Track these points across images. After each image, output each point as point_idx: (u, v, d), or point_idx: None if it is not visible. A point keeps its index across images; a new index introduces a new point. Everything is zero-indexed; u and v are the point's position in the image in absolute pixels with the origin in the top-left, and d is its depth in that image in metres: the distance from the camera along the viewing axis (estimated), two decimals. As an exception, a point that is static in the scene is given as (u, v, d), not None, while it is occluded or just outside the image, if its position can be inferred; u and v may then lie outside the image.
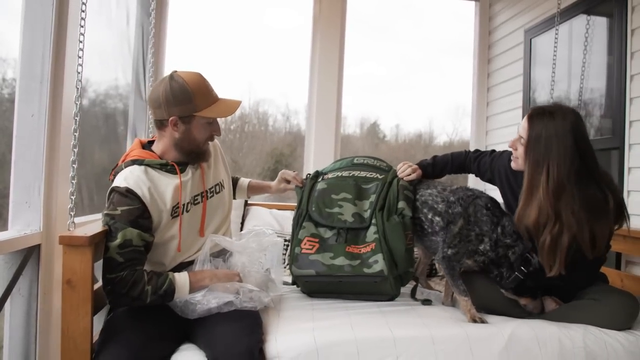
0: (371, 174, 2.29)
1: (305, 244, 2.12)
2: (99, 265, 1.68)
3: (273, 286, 1.97)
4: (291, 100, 5.00)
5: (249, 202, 3.22)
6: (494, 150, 2.33)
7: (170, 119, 1.76)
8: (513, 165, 2.06)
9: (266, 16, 4.71)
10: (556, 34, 3.12)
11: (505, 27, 4.04)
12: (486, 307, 2.04)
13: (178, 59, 3.76)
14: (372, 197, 2.19)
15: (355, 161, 2.40)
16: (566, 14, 3.19)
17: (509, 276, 1.99)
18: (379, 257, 2.03)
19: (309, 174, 2.36)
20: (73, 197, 1.82)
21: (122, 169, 1.78)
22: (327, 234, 2.14)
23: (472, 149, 4.18)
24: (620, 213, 1.93)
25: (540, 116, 1.92)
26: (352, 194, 2.20)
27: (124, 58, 2.83)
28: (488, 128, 4.26)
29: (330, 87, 3.91)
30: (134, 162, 1.78)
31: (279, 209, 3.31)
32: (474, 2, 4.30)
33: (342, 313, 1.95)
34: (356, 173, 2.30)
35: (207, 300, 1.70)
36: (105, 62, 2.52)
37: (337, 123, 3.95)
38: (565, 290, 2.03)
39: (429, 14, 4.69)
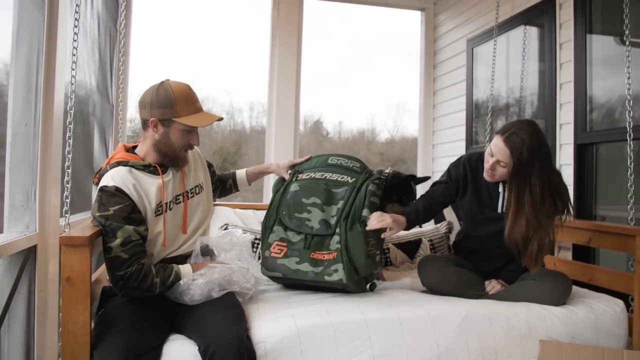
0: (342, 177, 2.34)
1: (274, 248, 2.22)
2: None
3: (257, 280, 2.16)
4: (235, 98, 5.00)
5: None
6: (438, 182, 2.42)
7: (151, 119, 1.90)
8: (489, 179, 2.22)
9: (210, 14, 4.74)
10: (495, 44, 3.44)
11: (449, 36, 4.32)
12: (441, 289, 2.29)
13: (142, 60, 3.82)
14: (340, 204, 2.24)
15: (329, 161, 2.43)
16: (505, 25, 3.51)
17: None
18: (339, 266, 2.11)
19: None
20: (68, 200, 1.93)
21: (107, 171, 1.89)
22: (295, 238, 2.22)
23: (419, 147, 4.51)
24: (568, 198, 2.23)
25: (515, 138, 2.07)
26: (322, 199, 2.25)
27: (95, 63, 2.91)
28: (435, 128, 4.55)
29: (289, 85, 4.08)
30: (119, 163, 1.91)
31: (241, 208, 3.48)
32: (419, 12, 4.57)
33: (316, 300, 2.13)
34: (328, 175, 2.35)
35: (207, 285, 1.86)
36: (81, 68, 2.59)
37: (295, 121, 4.12)
38: (511, 272, 2.32)
39: (370, 15, 4.85)
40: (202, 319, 1.81)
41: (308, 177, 2.37)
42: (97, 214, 1.81)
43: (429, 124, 4.57)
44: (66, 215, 1.91)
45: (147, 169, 1.94)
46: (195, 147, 2.13)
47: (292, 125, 4.10)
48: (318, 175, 2.37)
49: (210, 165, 2.31)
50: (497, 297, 2.23)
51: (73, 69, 1.86)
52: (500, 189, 2.28)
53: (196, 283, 1.86)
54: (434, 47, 4.53)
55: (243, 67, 4.56)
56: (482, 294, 2.26)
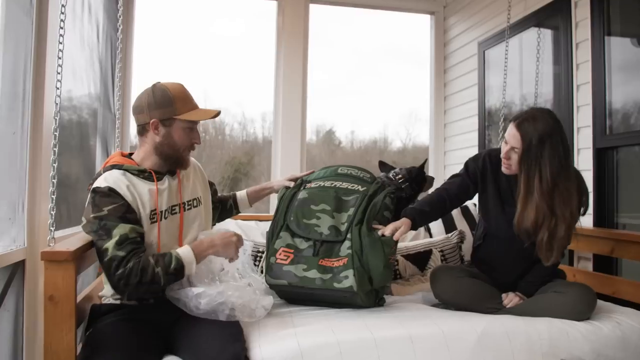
0: (353, 186, 2.27)
1: (280, 254, 2.12)
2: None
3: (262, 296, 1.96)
4: (247, 109, 5.00)
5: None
6: (455, 175, 2.37)
7: (152, 121, 1.83)
8: (506, 171, 2.16)
9: (219, 25, 4.73)
10: (506, 47, 3.32)
11: (459, 39, 4.21)
12: (455, 302, 2.16)
13: (144, 70, 3.77)
14: (351, 211, 2.17)
15: (339, 171, 2.38)
16: (517, 27, 3.39)
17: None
18: (350, 272, 2.02)
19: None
20: (53, 213, 1.84)
21: (101, 174, 1.81)
22: (303, 245, 2.14)
23: (430, 155, 4.40)
24: (586, 199, 2.15)
25: (527, 124, 2.04)
26: (331, 206, 2.19)
27: (94, 72, 2.84)
28: (446, 135, 4.42)
29: (295, 94, 3.98)
30: (113, 167, 1.84)
31: (243, 220, 3.35)
32: (429, 16, 4.48)
33: (321, 318, 2.00)
34: (338, 184, 2.29)
35: (218, 303, 1.73)
36: (79, 77, 2.53)
37: (302, 131, 4.02)
38: (529, 283, 2.19)
39: (382, 24, 4.81)
40: (197, 338, 1.70)
41: (317, 185, 2.31)
42: (91, 216, 1.72)
43: (440, 130, 4.46)
44: (51, 229, 1.81)
45: (142, 174, 1.85)
46: (197, 163, 2.07)
47: (298, 135, 4.00)
48: (327, 183, 2.31)
49: (212, 184, 2.22)
50: (515, 311, 2.10)
51: (59, 73, 1.78)
52: None
53: (210, 294, 1.73)
54: (444, 51, 4.43)
55: (254, 78, 4.54)
56: (499, 308, 2.13)
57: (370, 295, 2.12)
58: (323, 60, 4.55)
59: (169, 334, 1.78)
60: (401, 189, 2.47)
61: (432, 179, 2.73)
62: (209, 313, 1.73)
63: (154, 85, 1.88)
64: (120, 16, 2.86)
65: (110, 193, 1.74)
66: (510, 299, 2.16)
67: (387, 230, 2.10)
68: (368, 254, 2.05)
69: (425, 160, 2.68)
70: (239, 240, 1.90)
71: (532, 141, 2.03)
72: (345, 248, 2.09)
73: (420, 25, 4.62)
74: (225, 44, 4.67)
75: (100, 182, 1.77)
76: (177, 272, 1.73)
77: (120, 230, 1.68)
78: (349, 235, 2.10)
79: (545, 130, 2.03)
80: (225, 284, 1.80)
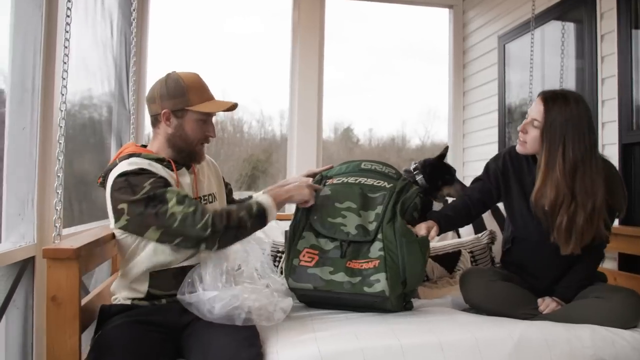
0: (379, 182, 2.11)
1: (304, 256, 1.97)
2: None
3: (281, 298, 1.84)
4: (265, 106, 5.00)
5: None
6: (477, 179, 2.26)
7: (163, 112, 1.76)
8: (520, 149, 2.05)
9: (236, 22, 4.73)
10: (532, 37, 3.23)
11: (479, 33, 4.14)
12: (487, 308, 2.03)
13: (159, 67, 3.76)
14: (379, 209, 2.01)
15: (362, 166, 2.20)
16: (538, 20, 3.28)
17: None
18: (382, 276, 1.87)
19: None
20: (59, 208, 1.79)
21: (116, 165, 1.74)
22: (328, 245, 1.98)
23: (449, 151, 4.29)
24: (623, 194, 2.01)
25: (555, 99, 1.95)
26: (357, 204, 2.02)
27: (108, 68, 2.83)
28: (465, 131, 4.35)
29: (311, 91, 3.93)
30: (130, 155, 1.75)
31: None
32: (447, 9, 4.40)
33: (344, 323, 1.86)
34: (363, 180, 2.12)
35: (233, 306, 1.63)
36: (91, 72, 2.51)
37: (318, 128, 3.98)
38: (567, 288, 2.05)
39: (399, 20, 4.75)
40: (209, 342, 1.60)
41: (340, 181, 2.14)
42: (132, 198, 1.61)
43: (459, 126, 4.38)
44: (57, 225, 1.77)
45: (161, 162, 1.78)
46: (212, 160, 2.00)
47: (314, 132, 3.95)
48: (351, 179, 2.14)
49: (227, 184, 2.14)
50: (553, 317, 1.95)
51: (65, 62, 1.75)
52: None
53: (224, 298, 1.62)
54: (463, 45, 4.35)
55: (272, 75, 4.52)
56: (534, 314, 1.99)
57: (400, 299, 1.99)
58: (340, 57, 4.51)
59: (180, 338, 1.69)
60: (416, 182, 2.34)
61: (452, 169, 2.48)
62: (224, 318, 1.62)
63: (168, 75, 1.81)
64: (134, 10, 2.85)
65: (142, 171, 1.67)
66: (546, 304, 2.00)
67: (422, 229, 2.00)
68: (405, 256, 1.91)
69: (445, 149, 2.48)
70: (311, 185, 1.96)
71: (556, 118, 1.92)
72: (376, 249, 1.95)
73: (437, 20, 4.55)
74: (243, 42, 4.67)
75: (125, 167, 1.68)
76: (261, 215, 1.71)
77: (172, 192, 1.64)
78: (379, 236, 1.96)
79: (573, 111, 1.92)
80: (240, 286, 1.69)
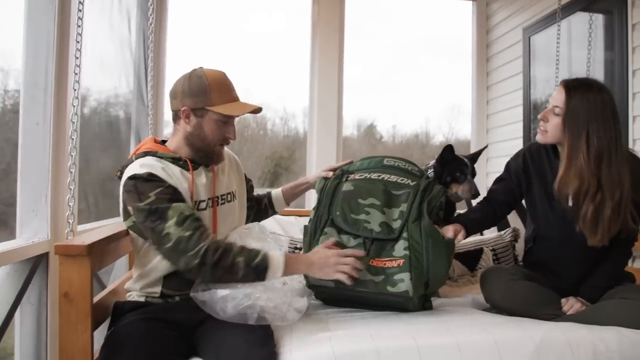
0: (402, 180, 2.05)
1: None
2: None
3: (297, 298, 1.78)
4: (288, 103, 5.01)
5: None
6: (499, 179, 2.22)
7: (183, 109, 1.72)
8: (540, 138, 1.99)
9: (257, 20, 4.74)
10: (558, 29, 3.13)
11: (503, 25, 4.03)
12: (508, 307, 1.97)
13: (179, 64, 3.75)
14: (403, 206, 1.97)
15: (385, 162, 2.14)
16: (564, 11, 3.18)
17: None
18: (406, 276, 1.84)
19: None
20: (71, 205, 1.78)
21: (133, 161, 1.71)
22: (351, 242, 1.94)
23: (472, 147, 4.22)
24: None
25: (577, 87, 1.89)
26: (381, 200, 1.98)
27: (125, 64, 2.82)
28: (489, 126, 4.25)
29: (330, 88, 3.87)
30: (146, 153, 1.73)
31: (282, 215, 3.22)
32: (470, 2, 4.30)
33: (359, 322, 1.83)
34: (386, 177, 2.06)
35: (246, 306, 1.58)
36: (107, 69, 2.51)
37: (338, 125, 3.91)
38: (593, 288, 1.98)
39: (419, 15, 4.69)
40: (222, 341, 1.56)
41: (362, 177, 2.09)
42: (137, 205, 1.59)
43: (483, 121, 4.27)
44: (69, 221, 1.76)
45: (177, 162, 1.74)
46: (234, 155, 1.95)
47: (334, 129, 3.89)
48: (374, 175, 2.08)
49: (248, 180, 2.10)
50: (577, 318, 1.86)
51: (77, 57, 1.73)
52: None
53: (237, 297, 1.59)
54: (487, 38, 4.24)
55: (296, 72, 4.52)
56: (558, 314, 1.91)
57: (421, 299, 1.95)
58: (362, 54, 4.46)
59: (193, 335, 1.67)
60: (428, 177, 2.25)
61: (467, 168, 2.30)
62: (237, 317, 1.58)
63: (193, 70, 1.77)
64: (151, 5, 2.83)
65: (151, 178, 1.63)
66: (571, 304, 1.93)
67: (449, 231, 1.97)
68: (430, 257, 1.88)
69: (449, 147, 2.29)
70: (338, 263, 1.73)
71: (579, 105, 1.86)
72: (400, 248, 1.90)
73: (460, 15, 4.47)
74: (265, 39, 4.69)
75: (136, 169, 1.65)
76: (259, 270, 1.61)
77: (175, 210, 1.58)
78: (404, 234, 1.92)
79: (597, 99, 1.85)
80: (252, 285, 1.64)
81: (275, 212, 2.22)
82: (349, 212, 1.97)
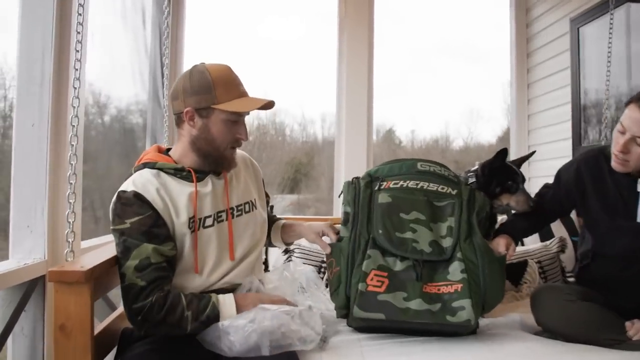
0: (443, 188, 1.85)
1: (372, 279, 1.68)
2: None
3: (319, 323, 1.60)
4: (306, 109, 4.96)
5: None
6: (547, 186, 2.08)
7: (186, 110, 1.53)
8: (619, 168, 1.81)
9: (280, 25, 4.66)
10: (611, 18, 2.83)
11: (546, 17, 3.76)
12: (564, 332, 1.78)
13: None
14: (450, 221, 1.78)
15: (420, 167, 1.89)
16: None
17: None
18: (467, 302, 1.64)
19: (357, 178, 1.86)
20: (72, 221, 1.55)
21: (132, 174, 1.56)
22: (397, 266, 1.72)
23: (512, 150, 3.94)
24: None
25: None
26: (426, 215, 1.77)
27: (140, 62, 2.63)
28: (530, 127, 3.99)
29: (360, 92, 3.63)
30: (146, 165, 1.57)
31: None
32: (507, -5, 4.06)
33: (395, 349, 1.65)
34: (424, 185, 1.85)
35: (255, 335, 1.40)
36: (121, 67, 2.31)
37: (368, 130, 3.67)
38: None
39: (438, 18, 4.54)
40: None
41: (398, 186, 1.85)
42: (112, 228, 1.47)
43: (523, 122, 4.00)
44: (69, 240, 1.51)
45: (179, 173, 1.56)
46: (251, 158, 1.76)
47: (364, 133, 3.66)
48: (411, 184, 1.85)
49: (267, 195, 1.87)
50: None
51: (78, 50, 1.49)
52: (639, 188, 1.81)
53: (238, 326, 1.41)
54: (527, 32, 3.98)
55: (315, 79, 4.41)
56: (622, 340, 1.73)
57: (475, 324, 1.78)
58: (380, 58, 4.30)
59: None
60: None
61: (518, 176, 2.05)
62: (247, 351, 1.40)
63: (194, 66, 1.57)
64: (166, 8, 2.66)
65: (136, 200, 1.47)
66: (637, 328, 1.76)
67: (500, 246, 1.84)
68: (487, 278, 1.72)
69: (503, 152, 2.03)
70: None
71: None
72: (457, 270, 1.71)
73: (478, 19, 4.31)
74: (285, 44, 4.61)
75: (127, 185, 1.51)
76: (209, 320, 1.47)
77: (142, 252, 1.43)
78: (458, 254, 1.73)
79: None
80: (254, 310, 1.47)
81: (270, 243, 1.95)
82: (392, 230, 1.74)
